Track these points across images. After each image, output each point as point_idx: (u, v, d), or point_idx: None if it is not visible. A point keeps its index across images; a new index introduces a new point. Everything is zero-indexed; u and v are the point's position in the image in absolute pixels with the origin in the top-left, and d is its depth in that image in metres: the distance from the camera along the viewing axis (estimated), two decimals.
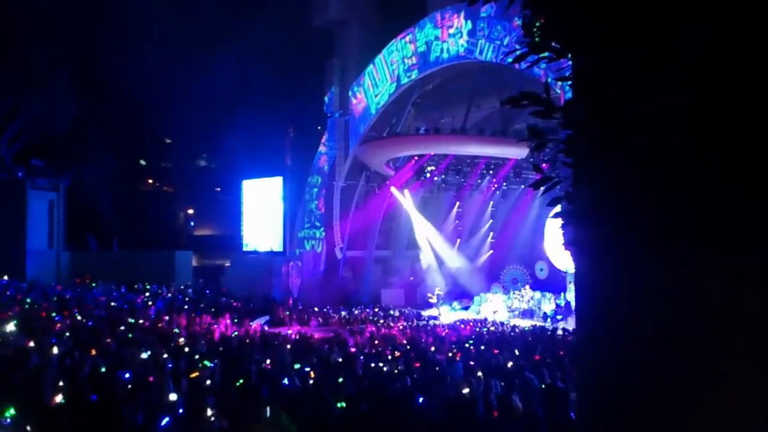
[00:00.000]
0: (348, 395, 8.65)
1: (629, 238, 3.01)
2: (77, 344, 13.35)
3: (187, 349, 13.97)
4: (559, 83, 4.10)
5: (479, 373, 10.68)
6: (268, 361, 12.36)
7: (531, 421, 8.10)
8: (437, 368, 12.02)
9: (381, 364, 12.68)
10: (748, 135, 2.64)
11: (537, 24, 2.93)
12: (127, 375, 9.65)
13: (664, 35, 2.76)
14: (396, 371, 11.50)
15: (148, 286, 31.08)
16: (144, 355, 11.29)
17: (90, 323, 18.74)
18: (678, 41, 2.73)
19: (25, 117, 36.21)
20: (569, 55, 2.97)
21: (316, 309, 30.67)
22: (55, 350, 12.03)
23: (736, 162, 2.66)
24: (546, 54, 2.96)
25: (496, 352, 15.12)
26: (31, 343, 13.02)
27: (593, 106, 2.95)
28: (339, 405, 7.98)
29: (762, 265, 2.61)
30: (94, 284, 30.91)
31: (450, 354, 14.89)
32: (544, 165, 3.91)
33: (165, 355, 12.39)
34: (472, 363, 12.41)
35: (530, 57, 3.04)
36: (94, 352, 12.35)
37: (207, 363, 11.15)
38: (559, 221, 3.42)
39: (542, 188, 3.45)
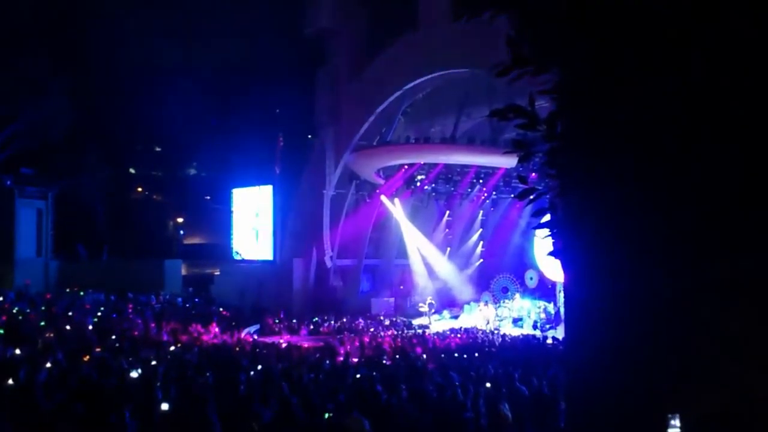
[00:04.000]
0: (338, 404, 8.65)
1: (614, 249, 3.05)
2: (66, 354, 13.27)
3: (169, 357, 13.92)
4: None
5: (469, 383, 10.70)
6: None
7: (520, 429, 8.14)
8: (427, 377, 12.03)
9: (372, 373, 12.67)
10: (736, 146, 2.68)
11: (522, 38, 2.99)
12: (116, 384, 9.61)
13: (651, 50, 2.81)
14: (386, 380, 11.49)
15: (136, 296, 30.90)
16: (134, 374, 11.17)
17: (79, 333, 18.62)
18: (665, 55, 2.79)
19: (14, 125, 36.03)
20: (552, 69, 3.02)
21: (306, 318, 30.59)
22: (44, 360, 11.94)
23: (724, 172, 2.70)
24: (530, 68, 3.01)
25: (485, 361, 15.14)
26: (18, 351, 12.95)
27: (577, 118, 3.00)
28: (327, 416, 7.98)
29: (751, 275, 2.65)
30: (82, 293, 30.70)
31: (440, 363, 14.91)
32: (533, 174, 3.95)
33: (154, 362, 12.35)
34: (461, 372, 12.43)
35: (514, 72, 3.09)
36: (83, 362, 12.30)
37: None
38: (545, 231, 3.46)
39: (529, 198, 3.49)
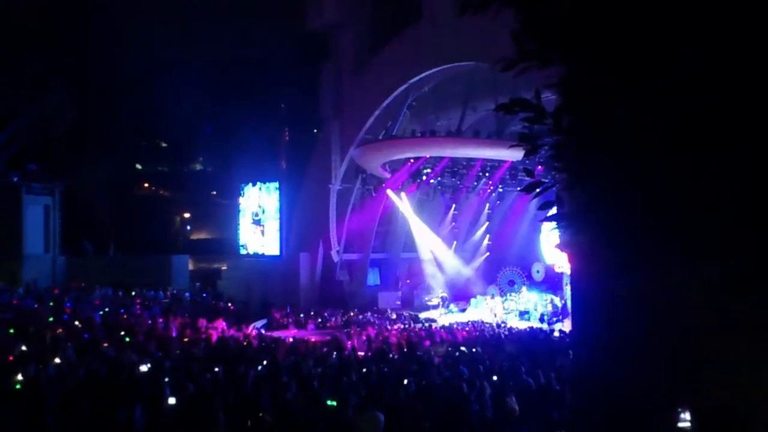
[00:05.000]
0: (344, 398, 8.67)
1: (620, 242, 3.05)
2: (74, 349, 13.33)
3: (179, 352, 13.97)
4: None
5: (476, 376, 10.71)
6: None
7: (527, 422, 8.15)
8: (434, 370, 12.05)
9: (379, 367, 12.70)
10: (737, 143, 2.67)
11: (527, 32, 2.98)
12: (125, 379, 9.66)
13: (654, 45, 2.81)
14: (392, 374, 11.52)
15: (144, 291, 31.03)
16: (143, 367, 11.23)
17: (86, 328, 18.70)
18: (666, 53, 2.78)
19: (20, 121, 36.15)
20: (557, 63, 3.01)
21: (313, 312, 30.66)
22: (52, 356, 12.01)
23: (725, 171, 2.69)
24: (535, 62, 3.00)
25: (492, 354, 15.15)
26: (24, 348, 13.01)
27: (582, 112, 3.00)
28: (330, 403, 8.05)
29: (748, 273, 2.66)
30: (90, 288, 30.82)
31: (447, 357, 14.92)
32: (539, 167, 3.95)
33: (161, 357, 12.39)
34: (468, 365, 12.44)
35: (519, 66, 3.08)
36: (91, 357, 12.35)
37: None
38: (552, 224, 3.46)
39: (535, 191, 3.48)
